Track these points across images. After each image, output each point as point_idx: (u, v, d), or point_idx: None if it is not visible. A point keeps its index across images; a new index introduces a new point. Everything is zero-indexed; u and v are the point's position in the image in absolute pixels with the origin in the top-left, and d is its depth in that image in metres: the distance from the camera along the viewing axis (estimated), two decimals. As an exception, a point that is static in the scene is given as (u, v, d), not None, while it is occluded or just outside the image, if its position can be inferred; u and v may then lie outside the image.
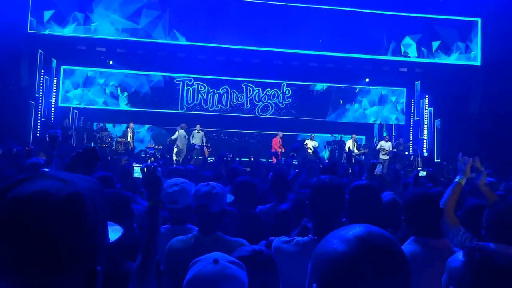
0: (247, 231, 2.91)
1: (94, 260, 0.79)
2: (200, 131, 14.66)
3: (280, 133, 15.10)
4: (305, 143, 14.90)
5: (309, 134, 15.51)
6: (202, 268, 1.38)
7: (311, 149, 14.51)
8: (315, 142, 15.05)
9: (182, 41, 12.91)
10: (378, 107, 17.06)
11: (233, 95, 16.50)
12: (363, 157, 14.32)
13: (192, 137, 14.53)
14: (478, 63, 13.75)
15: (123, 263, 1.92)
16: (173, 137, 14.40)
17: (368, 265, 0.81)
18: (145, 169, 1.90)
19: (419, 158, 14.43)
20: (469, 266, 1.44)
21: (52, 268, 0.73)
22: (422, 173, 4.56)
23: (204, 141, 14.52)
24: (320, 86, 16.85)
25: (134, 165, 5.26)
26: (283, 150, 14.57)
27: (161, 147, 14.60)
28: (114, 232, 1.03)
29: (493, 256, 1.45)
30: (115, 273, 1.75)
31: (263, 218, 3.49)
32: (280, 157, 13.51)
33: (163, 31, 12.80)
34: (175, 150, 14.11)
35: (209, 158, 12.61)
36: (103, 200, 0.84)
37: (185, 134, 14.44)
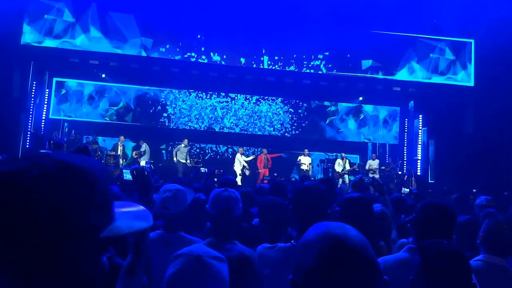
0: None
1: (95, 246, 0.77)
2: (186, 146, 14.39)
3: (265, 151, 14.59)
4: (298, 159, 14.76)
5: (302, 152, 15.32)
6: (184, 264, 1.38)
7: (305, 165, 14.39)
8: (308, 158, 14.85)
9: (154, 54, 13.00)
10: (372, 126, 17.03)
11: (226, 111, 16.43)
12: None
13: (178, 150, 14.30)
14: (471, 83, 13.80)
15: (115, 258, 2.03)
16: (142, 150, 14.33)
17: (336, 268, 0.82)
18: (134, 171, 1.99)
19: (413, 178, 14.35)
20: (422, 252, 1.65)
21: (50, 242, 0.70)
22: (405, 190, 4.59)
23: (188, 157, 14.29)
24: (313, 104, 16.83)
25: (123, 168, 5.25)
26: (269, 166, 14.31)
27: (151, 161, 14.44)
28: (139, 220, 0.93)
29: (441, 246, 1.66)
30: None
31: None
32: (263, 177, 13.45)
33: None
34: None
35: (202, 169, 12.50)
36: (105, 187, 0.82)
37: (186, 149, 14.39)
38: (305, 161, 14.61)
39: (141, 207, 0.98)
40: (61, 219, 0.71)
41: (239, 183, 11.32)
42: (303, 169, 14.42)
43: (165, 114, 16.23)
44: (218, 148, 16.52)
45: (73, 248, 0.72)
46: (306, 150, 14.89)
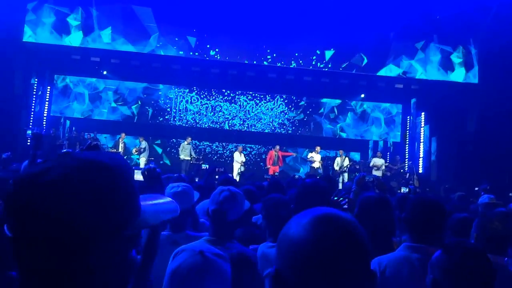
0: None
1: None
2: (189, 143, 14.34)
3: (277, 147, 14.19)
4: (310, 156, 14.40)
5: (306, 149, 15.14)
6: (188, 259, 1.38)
7: (317, 162, 14.04)
8: (319, 155, 14.42)
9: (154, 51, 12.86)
10: (374, 123, 16.97)
11: (227, 108, 16.39)
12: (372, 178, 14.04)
13: (182, 148, 14.23)
14: (475, 80, 13.70)
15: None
16: (142, 147, 14.27)
17: (324, 247, 0.79)
18: (145, 171, 2.00)
19: (415, 176, 14.25)
20: (447, 251, 1.64)
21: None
22: (404, 190, 4.56)
23: (193, 154, 14.24)
24: (314, 101, 16.77)
25: (134, 169, 5.21)
26: (280, 164, 14.18)
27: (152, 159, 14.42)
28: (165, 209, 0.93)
29: (466, 243, 1.71)
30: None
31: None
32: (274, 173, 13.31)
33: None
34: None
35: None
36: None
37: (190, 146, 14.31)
38: (317, 158, 14.28)
39: (168, 198, 0.96)
40: (86, 218, 0.69)
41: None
42: (314, 167, 14.06)
43: (166, 112, 16.20)
44: (219, 146, 16.49)
45: (101, 246, 0.71)
46: (318, 148, 14.39)
